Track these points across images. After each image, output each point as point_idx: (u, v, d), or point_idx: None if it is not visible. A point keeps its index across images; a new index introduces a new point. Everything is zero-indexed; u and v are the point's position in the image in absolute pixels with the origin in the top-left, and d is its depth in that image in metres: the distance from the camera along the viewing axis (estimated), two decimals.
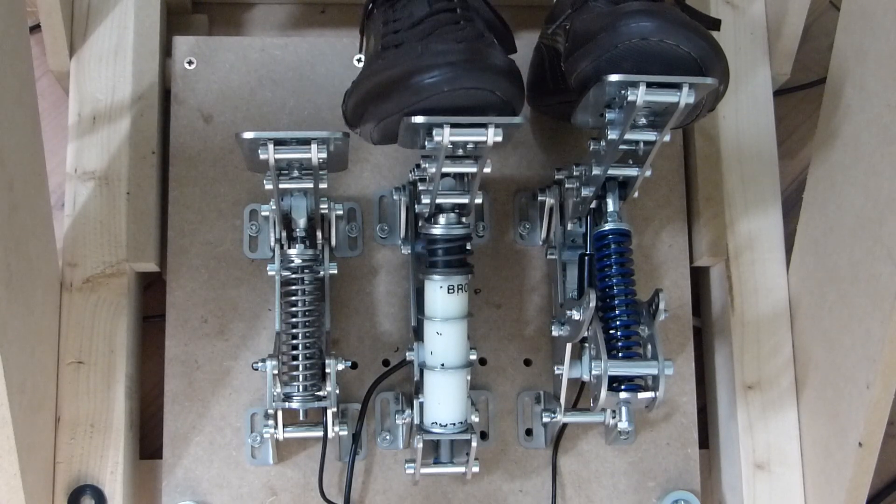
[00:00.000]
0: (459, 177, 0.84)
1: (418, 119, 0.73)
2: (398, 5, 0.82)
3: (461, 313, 0.85)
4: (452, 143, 0.74)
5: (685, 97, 0.72)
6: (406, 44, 0.78)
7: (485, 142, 0.74)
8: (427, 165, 0.79)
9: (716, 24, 0.86)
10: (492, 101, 0.75)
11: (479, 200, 0.84)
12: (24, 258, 0.82)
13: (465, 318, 0.86)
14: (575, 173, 0.89)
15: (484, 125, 0.73)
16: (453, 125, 0.73)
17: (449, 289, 0.85)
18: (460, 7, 0.81)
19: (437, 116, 0.73)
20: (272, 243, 0.90)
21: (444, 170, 0.79)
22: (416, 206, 0.87)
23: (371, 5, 0.85)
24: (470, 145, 0.78)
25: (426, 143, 0.77)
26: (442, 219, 0.85)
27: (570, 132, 0.99)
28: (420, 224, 0.88)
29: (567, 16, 0.83)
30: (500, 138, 0.73)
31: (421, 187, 0.85)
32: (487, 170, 0.79)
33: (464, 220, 0.85)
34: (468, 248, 0.87)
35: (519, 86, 0.77)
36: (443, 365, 0.85)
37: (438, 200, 0.84)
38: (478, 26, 0.79)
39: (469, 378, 0.87)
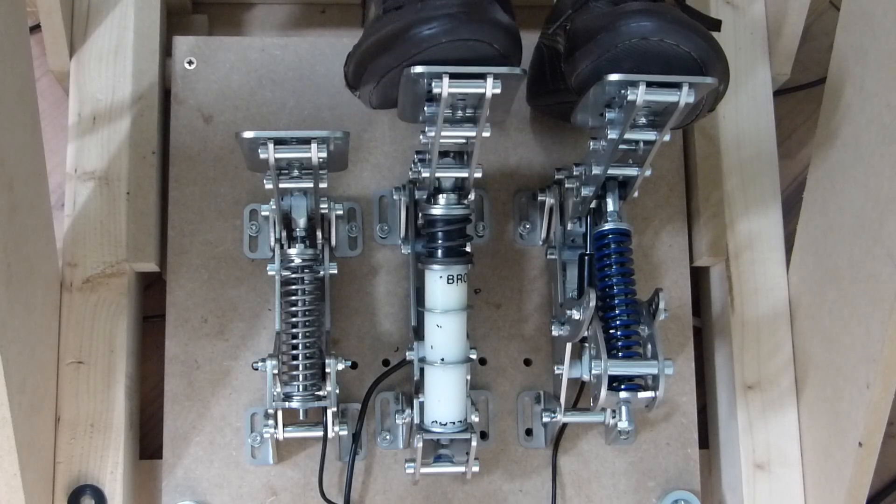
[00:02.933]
0: (459, 156, 0.84)
1: (418, 69, 0.73)
2: None
3: (460, 305, 0.85)
4: (451, 95, 0.74)
5: (685, 97, 0.73)
6: (406, 6, 0.78)
7: (484, 94, 0.73)
8: (427, 130, 0.78)
9: (716, 24, 0.86)
10: (490, 54, 0.75)
11: (478, 174, 0.84)
12: (24, 258, 0.82)
13: (465, 311, 0.86)
14: (575, 173, 0.90)
15: (483, 76, 0.73)
16: (452, 76, 0.73)
17: (448, 279, 0.85)
18: None
19: (437, 66, 0.73)
20: (272, 243, 0.90)
21: (443, 139, 0.79)
22: (415, 193, 0.87)
23: None
24: (469, 110, 0.78)
25: (425, 107, 0.77)
26: (441, 199, 0.85)
27: (570, 132, 0.99)
28: (420, 208, 0.88)
29: (567, 16, 0.83)
30: (498, 90, 0.73)
31: (421, 167, 0.85)
32: (486, 134, 0.78)
33: (464, 201, 0.85)
34: (467, 233, 0.87)
35: (517, 42, 0.77)
36: (443, 360, 0.85)
37: (438, 174, 0.83)
38: None
39: (469, 377, 0.87)
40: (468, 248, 0.87)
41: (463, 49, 0.74)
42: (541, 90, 0.93)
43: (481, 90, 0.73)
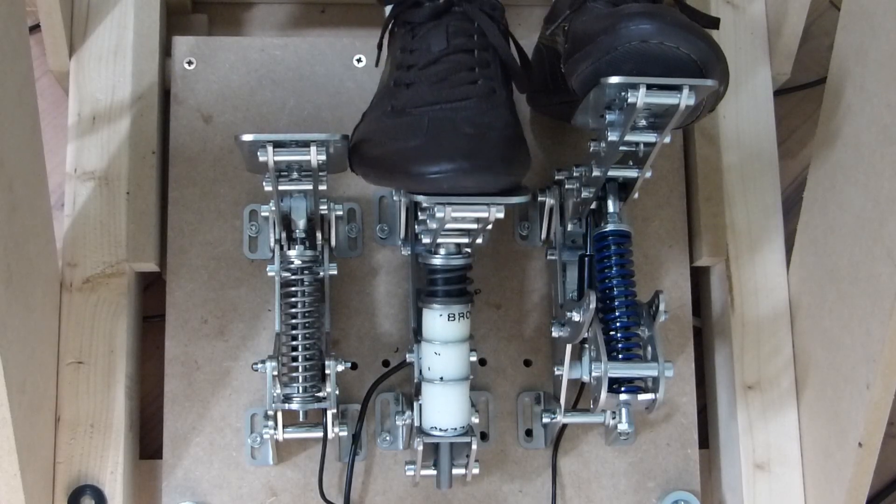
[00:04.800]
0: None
1: (421, 198, 0.74)
2: (418, 34, 0.82)
3: (462, 338, 0.85)
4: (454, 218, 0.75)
5: (685, 99, 0.72)
6: (416, 85, 0.79)
7: (486, 218, 0.75)
8: (429, 223, 0.79)
9: (715, 22, 0.86)
10: (493, 192, 0.76)
11: (480, 241, 0.84)
12: (24, 258, 0.82)
13: (466, 342, 0.86)
14: (575, 174, 0.89)
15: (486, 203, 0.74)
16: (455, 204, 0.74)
17: (449, 317, 0.84)
18: (479, 48, 0.81)
19: (439, 197, 0.74)
20: (272, 244, 0.90)
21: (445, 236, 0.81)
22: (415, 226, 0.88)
23: (392, 23, 0.85)
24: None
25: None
26: (442, 250, 0.85)
27: (570, 132, 0.99)
28: (420, 258, 0.88)
29: (565, 17, 0.83)
30: (501, 215, 0.74)
31: (420, 228, 0.85)
32: (489, 227, 0.80)
33: (464, 251, 0.85)
34: (468, 277, 0.87)
35: (521, 169, 0.78)
36: (441, 378, 0.85)
37: (440, 241, 0.84)
38: (492, 74, 0.80)
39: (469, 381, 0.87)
40: (469, 289, 0.87)
41: (465, 190, 0.75)
42: (541, 91, 0.93)
43: (484, 214, 0.74)
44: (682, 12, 0.86)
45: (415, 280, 0.93)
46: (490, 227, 0.80)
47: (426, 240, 0.84)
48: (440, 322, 0.84)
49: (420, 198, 0.74)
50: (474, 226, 0.80)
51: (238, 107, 0.98)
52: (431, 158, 0.74)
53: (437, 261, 0.85)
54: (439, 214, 0.74)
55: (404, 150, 0.76)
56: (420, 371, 0.86)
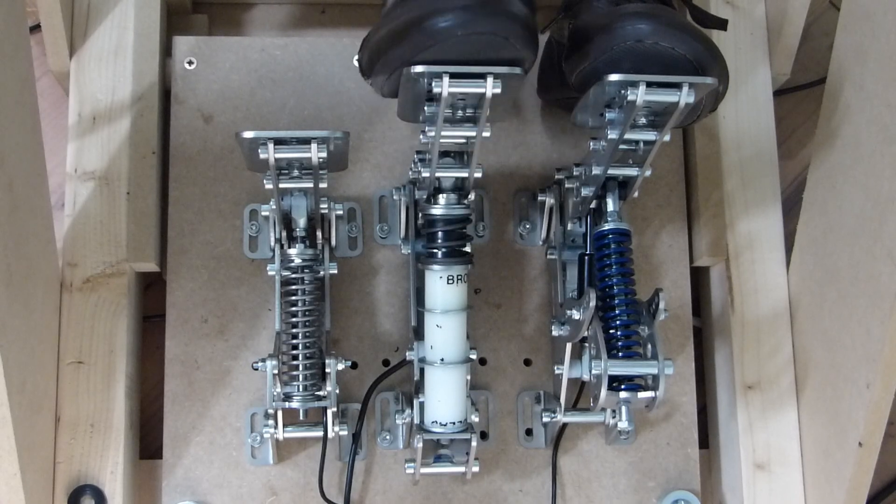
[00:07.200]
0: (459, 156, 0.84)
1: (418, 68, 0.72)
2: None
3: (460, 305, 0.85)
4: (451, 94, 0.73)
5: (685, 97, 0.72)
6: None
7: (483, 93, 0.73)
8: (427, 130, 0.78)
9: (722, 23, 0.86)
10: (505, 48, 0.74)
11: (478, 174, 0.83)
12: (24, 258, 0.82)
13: (465, 311, 0.86)
14: (575, 173, 0.89)
15: (483, 76, 0.73)
16: (452, 75, 0.72)
17: (448, 279, 0.85)
18: None
19: (436, 66, 0.72)
20: (272, 243, 0.90)
21: (443, 139, 0.79)
22: (415, 193, 0.87)
23: None
24: (469, 110, 0.78)
25: (425, 106, 0.77)
26: (441, 199, 0.85)
27: (571, 132, 0.99)
28: (420, 208, 0.88)
29: (569, 13, 0.84)
30: (498, 90, 0.73)
31: (421, 167, 0.84)
32: (486, 134, 0.78)
33: (464, 201, 0.85)
34: (466, 231, 0.87)
35: (533, 36, 0.76)
36: (442, 360, 0.85)
37: (438, 174, 0.83)
38: None
39: (469, 377, 0.87)
40: (468, 249, 0.87)
41: (478, 42, 0.73)
42: (551, 83, 0.93)
43: (481, 90, 0.73)
44: (691, 13, 0.87)
45: (415, 280, 0.93)
46: (487, 130, 0.78)
47: (425, 174, 0.84)
48: (440, 285, 0.85)
49: (419, 68, 0.72)
50: (472, 133, 0.79)
51: (238, 107, 0.98)
52: (443, 10, 0.72)
53: (437, 210, 0.85)
54: (437, 90, 0.73)
55: (417, 13, 0.74)
56: (420, 360, 0.87)
